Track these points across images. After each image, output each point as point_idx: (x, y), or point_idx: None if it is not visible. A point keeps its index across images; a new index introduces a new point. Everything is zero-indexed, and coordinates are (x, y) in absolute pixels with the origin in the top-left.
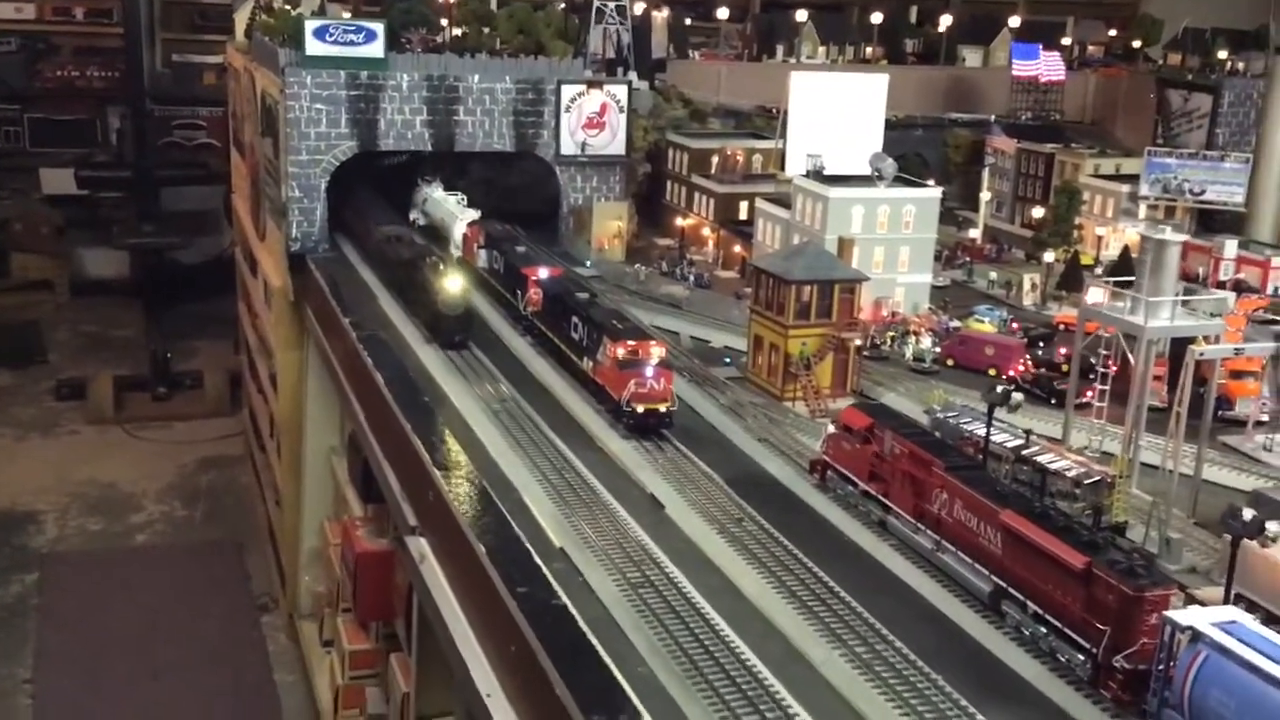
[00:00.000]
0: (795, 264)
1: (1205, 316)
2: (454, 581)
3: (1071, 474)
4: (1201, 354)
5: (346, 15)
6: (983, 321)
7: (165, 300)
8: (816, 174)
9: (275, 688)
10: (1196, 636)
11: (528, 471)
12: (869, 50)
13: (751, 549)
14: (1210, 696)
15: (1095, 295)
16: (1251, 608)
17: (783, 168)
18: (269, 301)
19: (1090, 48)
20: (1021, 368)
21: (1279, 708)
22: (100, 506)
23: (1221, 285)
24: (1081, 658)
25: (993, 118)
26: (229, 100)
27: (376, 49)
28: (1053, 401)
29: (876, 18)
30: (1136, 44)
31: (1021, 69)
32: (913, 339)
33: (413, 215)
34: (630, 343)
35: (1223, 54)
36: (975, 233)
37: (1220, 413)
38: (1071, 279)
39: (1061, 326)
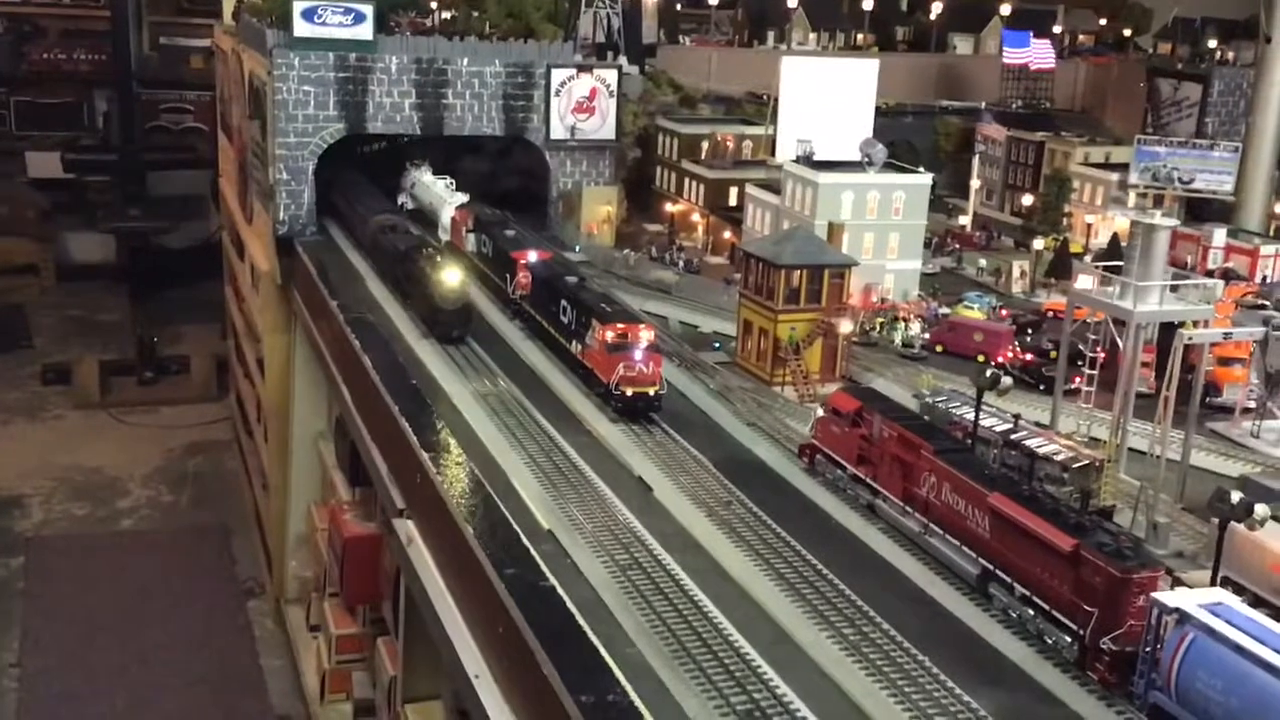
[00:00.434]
0: (785, 249)
1: (1194, 301)
2: (442, 564)
3: (1060, 458)
4: (1190, 338)
5: None
6: (972, 308)
7: (151, 284)
8: (806, 160)
9: (262, 672)
10: (1184, 618)
11: (516, 454)
12: (860, 37)
13: (740, 532)
14: (1197, 678)
15: (1085, 281)
16: (1238, 591)
17: (773, 153)
18: (256, 285)
19: (1081, 36)
20: (1010, 354)
21: (1265, 688)
22: (86, 491)
23: (1210, 274)
24: (1069, 640)
25: (983, 105)
26: (216, 83)
27: (365, 31)
28: (1041, 388)
29: (868, 4)
30: (1127, 32)
31: (1012, 57)
32: (902, 325)
33: (401, 199)
34: (619, 326)
35: (1212, 43)
36: (965, 220)
37: (1208, 399)
38: (1060, 266)
39: (1050, 313)
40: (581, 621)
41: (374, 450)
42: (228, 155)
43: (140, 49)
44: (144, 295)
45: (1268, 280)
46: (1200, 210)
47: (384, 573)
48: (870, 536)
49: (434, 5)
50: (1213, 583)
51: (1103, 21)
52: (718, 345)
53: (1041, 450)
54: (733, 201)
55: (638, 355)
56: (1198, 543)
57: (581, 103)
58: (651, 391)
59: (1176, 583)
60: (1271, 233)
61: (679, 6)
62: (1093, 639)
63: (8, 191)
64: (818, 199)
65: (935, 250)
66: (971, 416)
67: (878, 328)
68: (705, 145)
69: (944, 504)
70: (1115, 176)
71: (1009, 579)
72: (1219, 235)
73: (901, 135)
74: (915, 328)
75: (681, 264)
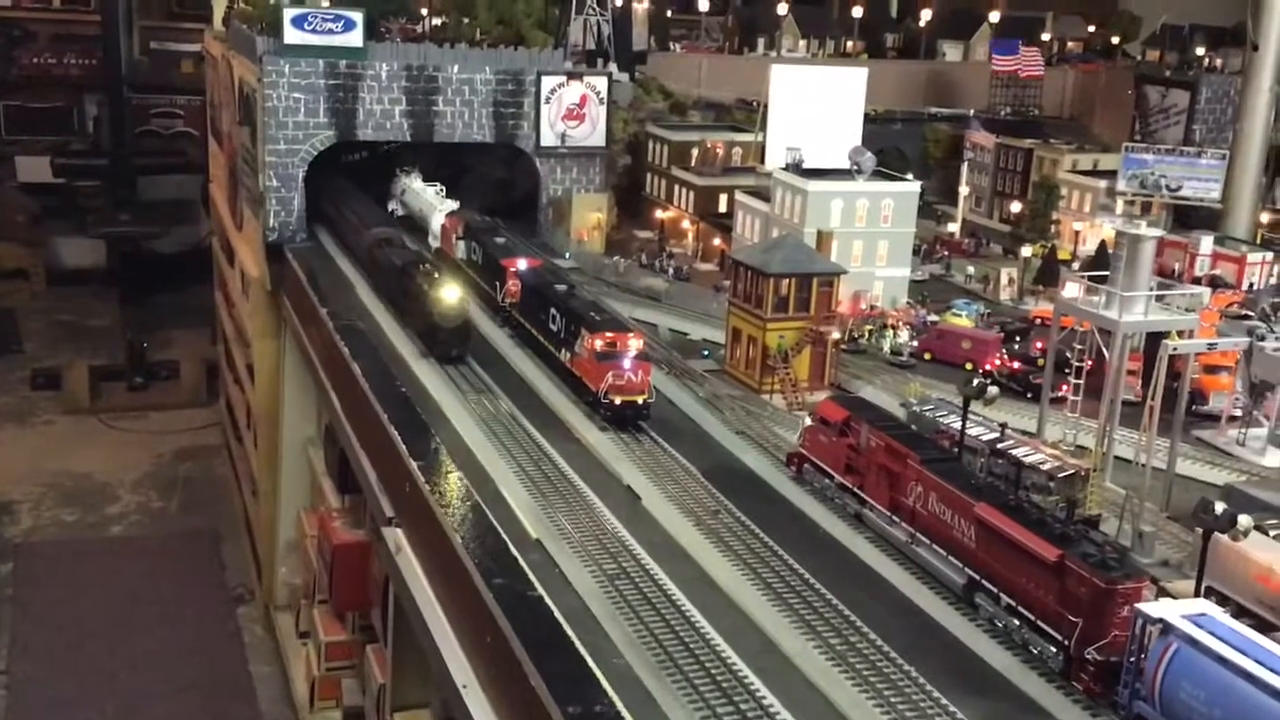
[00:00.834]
0: (774, 257)
1: (1180, 311)
2: (430, 573)
3: (1046, 467)
4: (1175, 349)
5: (325, 3)
6: (960, 316)
7: (142, 290)
8: (796, 167)
9: (251, 679)
10: (1167, 629)
11: (505, 463)
12: (849, 44)
13: (728, 541)
14: (1181, 688)
15: (1072, 290)
16: (1223, 601)
17: (762, 161)
18: (246, 291)
19: (1069, 43)
20: (998, 362)
21: (1248, 700)
22: (75, 497)
23: (1197, 281)
24: (1054, 650)
25: (972, 112)
26: (207, 89)
27: (355, 38)
28: (1028, 395)
29: (857, 12)
30: (1115, 40)
31: (1001, 64)
32: (890, 333)
33: (391, 206)
34: (608, 334)
35: (1200, 50)
36: (954, 227)
37: (1194, 407)
38: (1048, 274)
39: (1038, 321)
40: (569, 631)
41: (363, 458)
42: (218, 161)
43: (131, 53)
44: (134, 300)
45: (1254, 287)
46: (1188, 217)
47: (373, 580)
48: (857, 546)
49: (424, 12)
50: (1196, 594)
51: (1091, 29)
52: (707, 353)
53: (1028, 459)
54: (723, 208)
55: (627, 364)
56: (1183, 551)
57: (572, 110)
58: (640, 400)
59: (1161, 593)
60: (1258, 240)
61: (669, 13)
62: (1077, 649)
63: None
64: (807, 206)
65: (924, 258)
66: (959, 425)
67: (866, 335)
68: (695, 152)
69: (930, 513)
70: (1103, 184)
71: (995, 589)
72: (1206, 243)
73: (891, 142)
74: (904, 335)
75: (671, 271)
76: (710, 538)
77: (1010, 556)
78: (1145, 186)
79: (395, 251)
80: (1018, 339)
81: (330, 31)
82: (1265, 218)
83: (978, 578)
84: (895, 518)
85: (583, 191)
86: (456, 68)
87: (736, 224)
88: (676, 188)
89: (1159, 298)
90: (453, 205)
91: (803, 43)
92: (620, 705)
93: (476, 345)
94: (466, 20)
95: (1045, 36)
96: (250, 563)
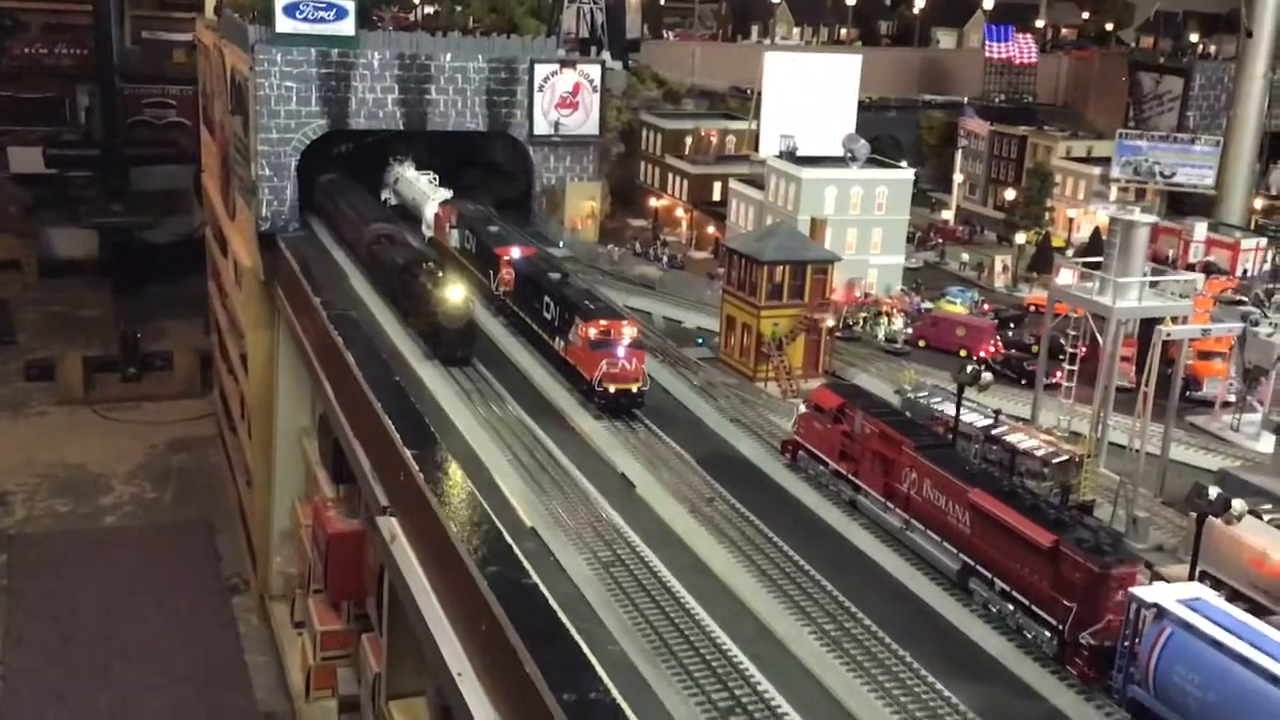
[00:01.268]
0: (768, 245)
1: (1173, 297)
2: (425, 561)
3: (1040, 453)
4: (1169, 334)
5: None
6: (954, 303)
7: (135, 280)
8: (790, 155)
9: (246, 669)
10: (1162, 613)
11: (499, 451)
12: (843, 31)
13: (722, 528)
14: (1175, 672)
15: (1065, 277)
16: (1217, 586)
17: (756, 148)
18: (239, 281)
19: (1063, 30)
20: (992, 349)
21: (1242, 683)
22: (69, 487)
23: (1191, 267)
24: (1048, 634)
25: (966, 100)
26: (199, 78)
27: (347, 26)
28: (1022, 382)
29: None
30: (1109, 27)
31: (994, 51)
32: (884, 320)
33: (384, 195)
34: (602, 322)
35: (1194, 37)
36: (948, 215)
37: (1188, 393)
38: (1043, 261)
39: (1032, 308)
40: (564, 619)
41: (357, 447)
42: (210, 150)
43: (122, 43)
44: (127, 291)
45: (1248, 274)
46: (1181, 204)
47: (368, 569)
48: (852, 532)
49: (416, 0)
50: (1191, 578)
51: (1085, 15)
52: (701, 341)
53: (1022, 445)
54: (716, 197)
55: (621, 352)
56: (1177, 537)
57: (565, 98)
58: (634, 388)
59: (1156, 577)
60: (1252, 226)
61: (662, 1)
62: (1072, 634)
63: None
64: (801, 194)
65: (918, 245)
66: (953, 412)
67: (860, 323)
68: (689, 140)
69: (925, 500)
70: (1097, 170)
71: (989, 574)
72: (1200, 229)
73: (885, 130)
74: (898, 323)
75: (665, 259)
76: (705, 525)
77: (1005, 542)
78: (1139, 173)
79: (396, 249)
80: (1012, 326)
81: (322, 20)
82: (1259, 203)
83: (972, 563)
84: (890, 504)
85: (576, 180)
86: (449, 56)
87: (730, 212)
88: (670, 176)
89: (1153, 284)
90: (446, 194)
91: (796, 30)
92: (615, 692)
93: None
94: (459, 8)
95: (1039, 23)
96: (245, 553)
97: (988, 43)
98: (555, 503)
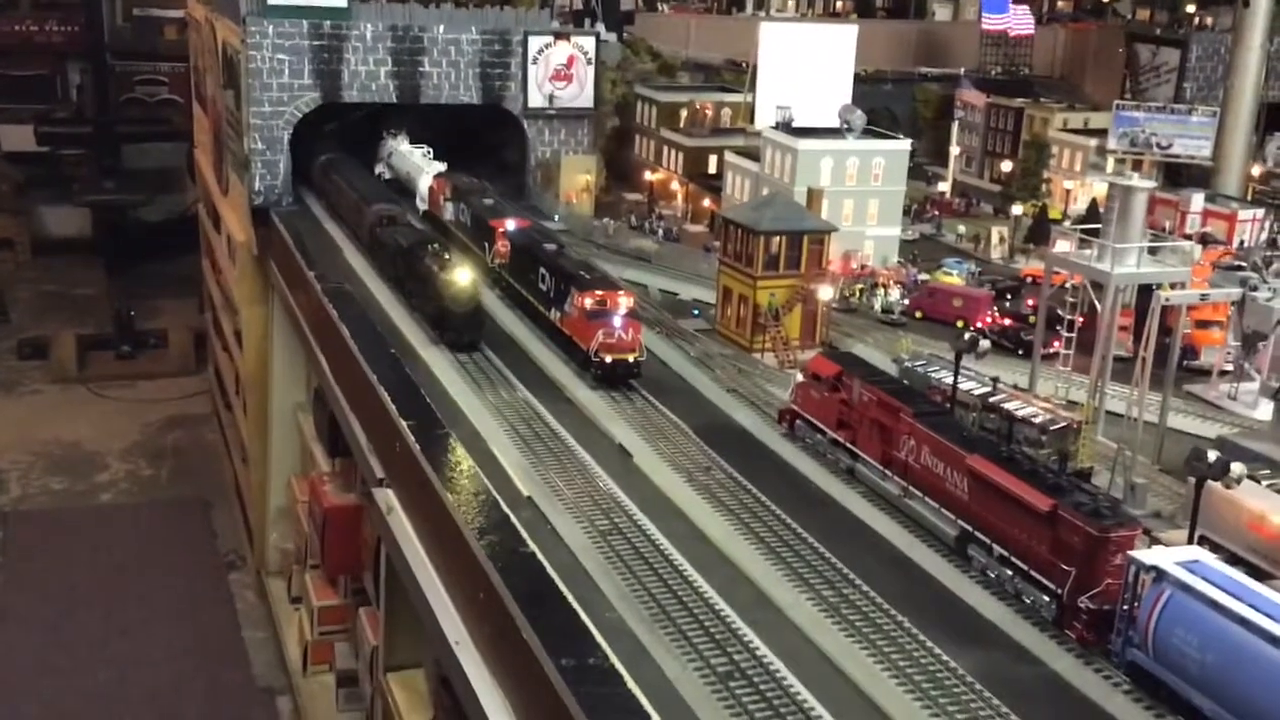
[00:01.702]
0: (764, 215)
1: (1171, 263)
2: (422, 532)
3: (1038, 420)
4: (1168, 299)
5: None
6: (951, 274)
7: (128, 258)
8: (785, 126)
9: (244, 645)
10: (1160, 576)
11: (495, 422)
12: (839, 3)
13: (720, 497)
14: (1174, 634)
15: (1063, 246)
16: (1215, 549)
17: (752, 120)
18: (233, 256)
19: (1059, 2)
20: (989, 319)
21: (1241, 644)
22: (64, 465)
23: (1188, 238)
24: (1047, 599)
25: (962, 72)
26: (190, 54)
27: None
28: (1020, 353)
29: None
30: None
31: (991, 23)
32: (881, 291)
33: (378, 169)
34: (598, 293)
35: (1191, 8)
36: (944, 186)
37: (1185, 362)
38: (1039, 232)
39: (1029, 279)
40: (561, 586)
41: (353, 420)
42: (203, 126)
43: (114, 20)
44: (121, 269)
45: (1245, 245)
46: (1178, 175)
47: (365, 543)
48: (850, 500)
49: None
50: (1190, 541)
51: None
52: (697, 312)
53: (1020, 413)
54: (712, 169)
55: (617, 322)
56: (1175, 503)
57: (559, 70)
58: (631, 358)
59: (1154, 542)
60: (1249, 197)
61: None
62: (1070, 598)
63: None
64: (797, 165)
65: (915, 217)
66: (950, 380)
67: (857, 294)
68: (684, 113)
69: (923, 467)
70: (1094, 142)
71: (987, 540)
72: (1197, 200)
73: (881, 102)
74: (895, 294)
75: (661, 232)
76: (702, 493)
77: (1003, 507)
78: (1136, 144)
79: (400, 230)
80: (1009, 297)
81: None
82: (1256, 173)
83: (970, 529)
84: (888, 472)
85: (571, 153)
86: (442, 28)
87: (726, 184)
88: (665, 149)
89: (1151, 251)
90: (440, 167)
91: (792, 2)
92: (613, 657)
93: None
94: None
95: None
96: (241, 529)
97: (984, 14)
98: (552, 473)
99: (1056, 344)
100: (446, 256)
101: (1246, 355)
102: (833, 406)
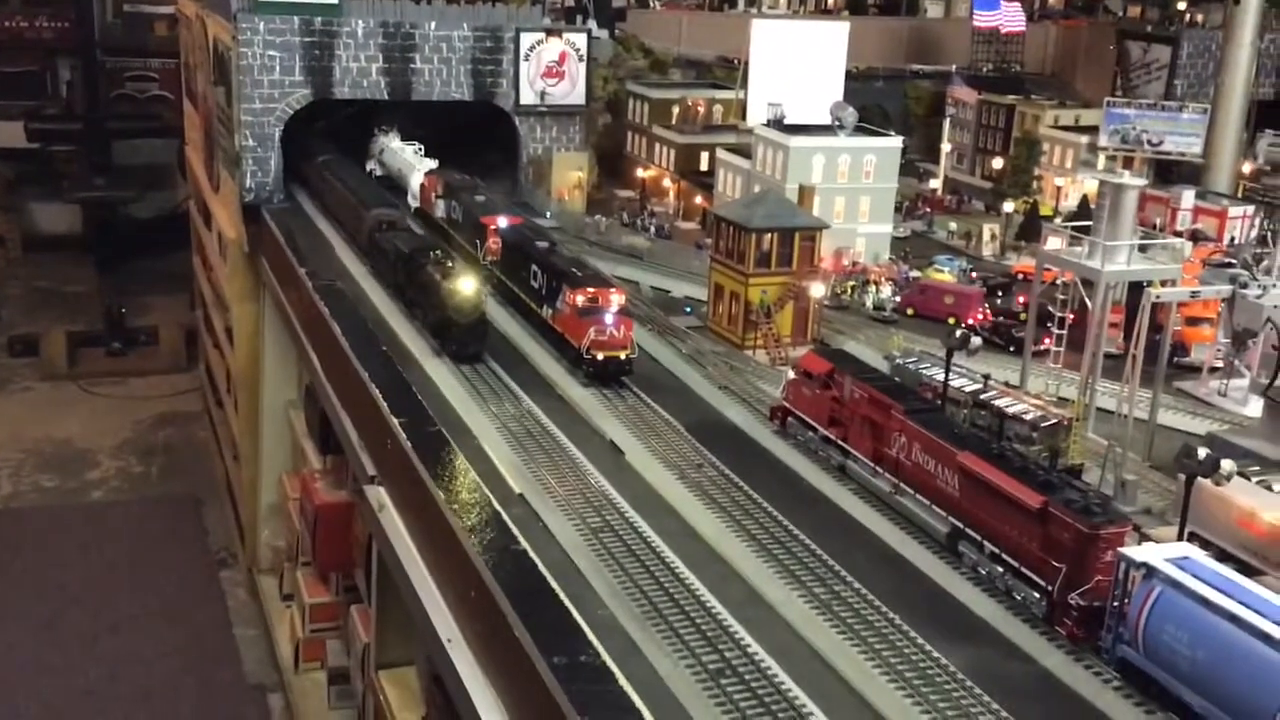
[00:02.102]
0: (756, 212)
1: (1162, 261)
2: (413, 530)
3: (1029, 417)
4: (1158, 296)
5: None
6: (942, 271)
7: (119, 255)
8: (777, 123)
9: (235, 642)
10: (1151, 572)
11: (487, 419)
12: (831, 1)
13: (711, 494)
14: (1164, 631)
15: (1054, 243)
16: (1205, 546)
17: (744, 118)
18: (224, 254)
19: None
20: (980, 316)
21: (1231, 641)
22: (55, 463)
23: (1178, 235)
24: (1037, 596)
25: (954, 69)
26: (181, 50)
27: None
28: (1011, 349)
29: None
30: None
31: (982, 20)
32: (873, 288)
33: (369, 166)
34: (590, 290)
35: (1181, 5)
36: (936, 184)
37: (1176, 359)
38: (1030, 229)
39: (1020, 276)
40: (553, 584)
41: (344, 417)
42: (193, 123)
43: (104, 16)
44: (111, 266)
45: (1235, 242)
46: (1169, 172)
47: (356, 540)
48: (841, 497)
49: None
50: (1180, 538)
51: None
52: (689, 309)
53: (1011, 410)
54: (704, 166)
55: (609, 319)
56: (1165, 500)
57: (551, 67)
58: (623, 355)
59: (1144, 539)
60: (1239, 194)
61: None
62: (1061, 594)
63: None
64: (788, 162)
65: (906, 214)
66: (941, 377)
67: (849, 291)
68: (676, 110)
69: (914, 464)
70: (1085, 139)
71: (978, 537)
72: (1187, 197)
73: (872, 99)
74: (886, 291)
75: (653, 229)
76: (694, 491)
77: (994, 504)
78: (1127, 141)
79: (400, 236)
80: (1000, 294)
81: None
82: (1246, 167)
83: (961, 526)
84: (879, 469)
85: (563, 150)
86: (434, 24)
87: (718, 182)
88: (657, 146)
89: (1141, 249)
90: (432, 164)
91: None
92: (605, 655)
93: None
94: None
95: None
96: (232, 527)
97: (975, 11)
98: (544, 470)
99: (1047, 341)
100: (449, 264)
101: (1236, 352)
102: (824, 404)
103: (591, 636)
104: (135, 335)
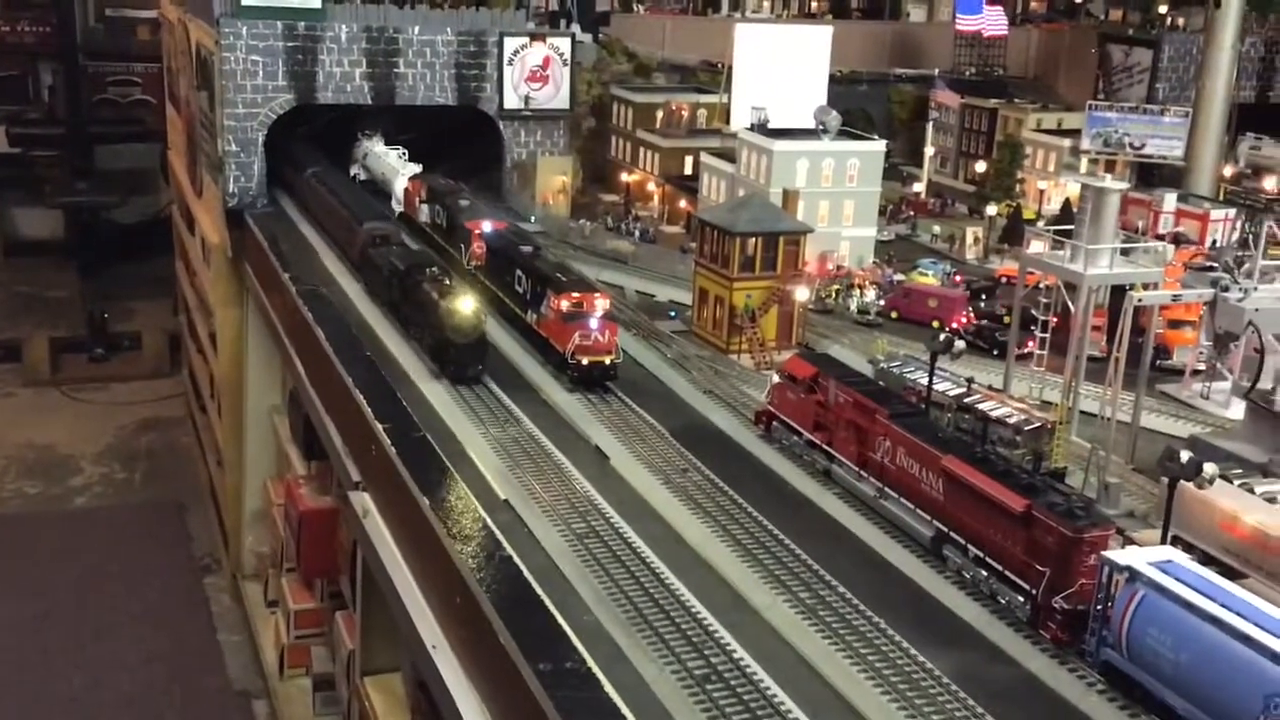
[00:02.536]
0: (740, 216)
1: (1144, 264)
2: (398, 536)
3: (1012, 421)
4: (1140, 299)
5: None
6: (926, 275)
7: (101, 260)
8: (761, 127)
9: (220, 648)
10: (1134, 576)
11: (471, 424)
12: (814, 4)
13: (697, 499)
14: (1147, 634)
15: (1037, 246)
16: (1188, 549)
17: (728, 121)
18: (207, 259)
19: (1033, 3)
20: (964, 320)
21: (1214, 644)
22: (38, 469)
23: (1160, 238)
24: (1021, 599)
25: (937, 73)
26: (164, 55)
27: None
28: (995, 353)
29: None
30: None
31: (965, 24)
32: (857, 292)
33: (353, 170)
34: (574, 295)
35: (1163, 9)
36: (919, 187)
37: (1158, 362)
38: (1013, 233)
39: (1003, 279)
40: (538, 590)
41: (328, 423)
42: (176, 128)
43: (86, 20)
44: (94, 271)
45: (1217, 244)
46: (1151, 175)
47: (341, 546)
48: (826, 501)
49: None
50: (1163, 541)
51: None
52: (674, 314)
53: (995, 414)
54: (688, 170)
55: (593, 324)
56: (1148, 503)
57: (535, 72)
58: (608, 360)
59: (1128, 542)
60: (1221, 197)
61: None
62: (1045, 598)
63: None
64: (772, 166)
65: (890, 218)
66: (925, 381)
67: (833, 295)
68: (660, 114)
69: (899, 468)
70: (1067, 142)
71: (963, 541)
72: (1169, 200)
73: (856, 103)
74: (870, 294)
75: (637, 233)
76: (679, 496)
77: (978, 508)
78: (1109, 144)
79: (395, 252)
80: (984, 297)
81: None
82: (1228, 170)
83: (945, 530)
84: (863, 473)
85: (547, 154)
86: (417, 29)
87: (702, 186)
88: (641, 150)
89: (1124, 252)
90: (415, 169)
91: (767, 3)
92: (590, 661)
93: None
94: None
95: None
96: (216, 532)
97: (958, 15)
98: (529, 475)
99: (1031, 344)
100: (447, 282)
101: (1219, 355)
102: (809, 408)
103: (577, 642)
104: (118, 341)
